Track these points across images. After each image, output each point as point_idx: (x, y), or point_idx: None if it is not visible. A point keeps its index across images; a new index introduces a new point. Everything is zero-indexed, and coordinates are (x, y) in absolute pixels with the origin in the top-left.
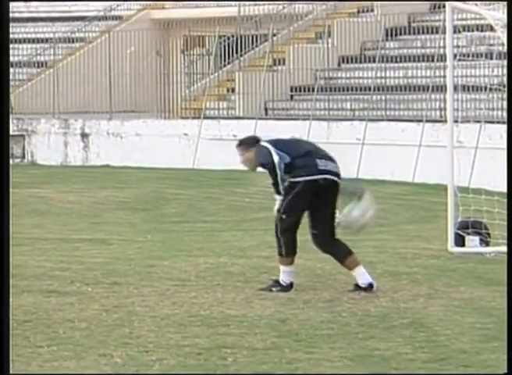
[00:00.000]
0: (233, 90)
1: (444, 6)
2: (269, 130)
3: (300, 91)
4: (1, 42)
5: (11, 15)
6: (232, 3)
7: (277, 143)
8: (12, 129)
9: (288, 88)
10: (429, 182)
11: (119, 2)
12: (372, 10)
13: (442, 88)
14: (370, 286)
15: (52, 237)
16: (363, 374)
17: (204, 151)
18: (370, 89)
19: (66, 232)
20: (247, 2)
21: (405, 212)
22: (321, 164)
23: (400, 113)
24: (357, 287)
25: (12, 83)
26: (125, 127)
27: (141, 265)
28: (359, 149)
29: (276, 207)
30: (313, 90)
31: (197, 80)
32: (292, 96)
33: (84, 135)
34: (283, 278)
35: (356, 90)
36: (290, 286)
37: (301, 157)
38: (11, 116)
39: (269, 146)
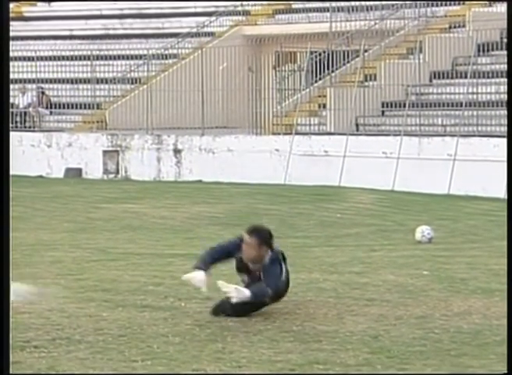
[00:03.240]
0: (325, 106)
1: None
2: (360, 146)
3: (391, 106)
4: (1, 42)
5: (106, 32)
6: (324, 19)
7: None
8: (107, 144)
9: (379, 104)
10: None
11: (211, 19)
12: (464, 26)
13: None
14: None
15: (146, 252)
16: None
17: (296, 166)
18: (461, 105)
19: (160, 247)
20: (338, 18)
21: (497, 228)
22: None
23: (491, 129)
24: None
25: (106, 99)
26: (217, 143)
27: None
28: (450, 165)
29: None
30: (404, 105)
31: (288, 95)
32: (383, 112)
33: (177, 151)
34: None
35: (447, 105)
36: None
37: None
38: (105, 131)
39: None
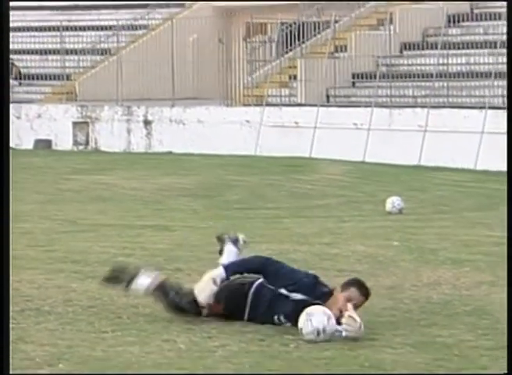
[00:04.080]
0: (295, 77)
1: None
2: (331, 117)
3: (361, 77)
4: (1, 40)
5: (75, 3)
6: None
7: None
8: (76, 116)
9: (350, 75)
10: (491, 169)
11: None
12: None
13: (504, 75)
14: None
15: (116, 224)
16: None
17: (266, 137)
18: (432, 76)
19: (130, 218)
20: None
21: (467, 199)
22: None
23: (462, 100)
24: None
25: (75, 70)
26: (187, 114)
27: (204, 251)
28: (421, 136)
29: None
30: (375, 77)
31: (258, 67)
32: (354, 83)
33: (147, 122)
34: None
35: (418, 77)
36: None
37: None
38: (75, 103)
39: None
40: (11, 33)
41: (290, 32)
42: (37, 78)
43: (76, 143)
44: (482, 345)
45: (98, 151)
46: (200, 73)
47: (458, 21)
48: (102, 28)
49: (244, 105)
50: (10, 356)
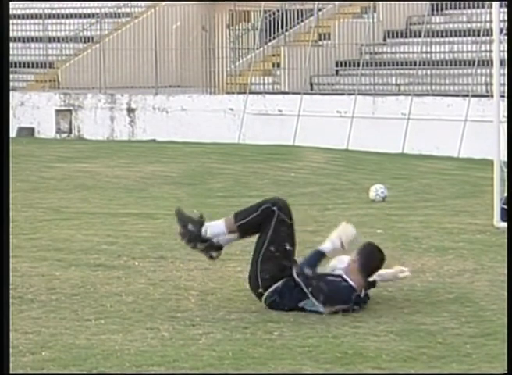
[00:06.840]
0: (279, 65)
1: None
2: (314, 105)
3: (345, 65)
4: (1, 39)
5: None
6: None
7: None
8: (59, 104)
9: (333, 63)
10: (475, 157)
11: None
12: None
13: (488, 63)
14: None
15: (99, 212)
16: None
17: (250, 126)
18: (415, 64)
19: (113, 206)
20: None
21: (451, 187)
22: None
23: (445, 88)
24: None
25: (58, 58)
26: (171, 102)
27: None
28: (404, 124)
29: None
30: (358, 65)
31: (242, 55)
32: (337, 71)
33: (130, 110)
34: None
35: (401, 65)
36: None
37: None
38: (58, 91)
39: None
40: None
41: (274, 20)
42: (20, 66)
43: (59, 131)
44: (466, 333)
45: (81, 139)
46: (183, 60)
47: (442, 9)
48: (85, 16)
49: (228, 93)
50: (10, 356)
